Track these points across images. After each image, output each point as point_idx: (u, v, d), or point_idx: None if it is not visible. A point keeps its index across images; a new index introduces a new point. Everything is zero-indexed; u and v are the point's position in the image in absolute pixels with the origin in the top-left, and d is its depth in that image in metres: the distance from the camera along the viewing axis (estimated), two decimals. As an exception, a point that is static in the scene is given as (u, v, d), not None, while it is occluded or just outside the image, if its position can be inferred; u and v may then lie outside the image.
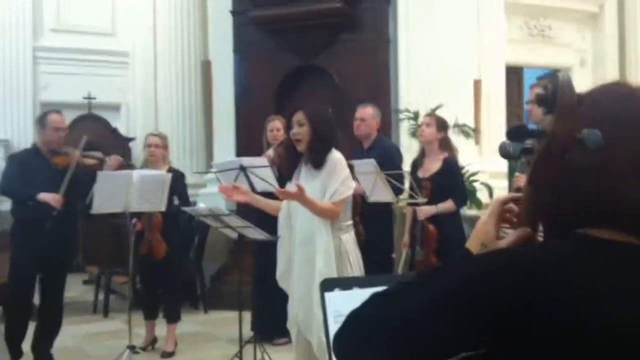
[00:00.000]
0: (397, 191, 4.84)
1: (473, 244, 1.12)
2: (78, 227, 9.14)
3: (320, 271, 3.46)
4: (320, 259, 3.51)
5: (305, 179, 3.66)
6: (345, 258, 3.61)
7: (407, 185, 4.81)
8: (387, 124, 6.73)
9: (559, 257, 0.97)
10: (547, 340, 0.91)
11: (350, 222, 3.76)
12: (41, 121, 5.00)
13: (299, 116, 3.65)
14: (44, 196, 4.67)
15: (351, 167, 3.82)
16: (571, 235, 1.00)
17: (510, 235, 1.10)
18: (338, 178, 3.57)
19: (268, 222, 4.12)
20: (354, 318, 1.04)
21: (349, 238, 3.69)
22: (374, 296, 1.06)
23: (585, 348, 0.91)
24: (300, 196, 3.46)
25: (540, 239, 1.10)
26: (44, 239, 4.71)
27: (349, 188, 3.63)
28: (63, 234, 4.89)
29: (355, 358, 1.03)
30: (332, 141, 3.66)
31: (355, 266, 3.66)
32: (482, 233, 1.12)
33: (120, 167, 5.03)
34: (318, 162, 3.61)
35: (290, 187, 3.65)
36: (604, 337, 0.91)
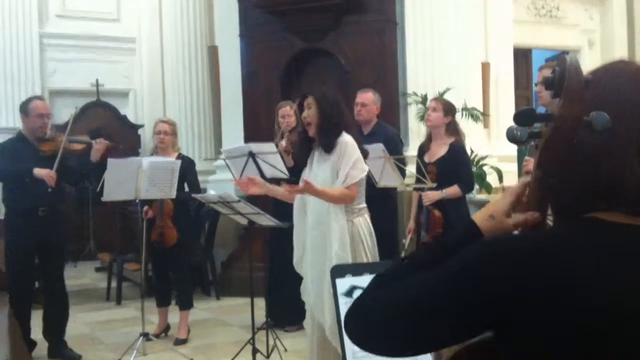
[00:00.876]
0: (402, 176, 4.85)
1: (479, 216, 1.11)
2: (89, 214, 9.26)
3: (337, 254, 3.48)
4: (336, 242, 3.52)
5: (318, 164, 3.69)
6: (358, 241, 3.62)
7: (414, 169, 4.81)
8: (394, 108, 6.70)
9: (566, 241, 0.97)
10: (553, 325, 0.92)
11: (364, 205, 3.75)
12: (24, 108, 4.87)
13: (308, 100, 3.70)
14: (39, 171, 4.64)
15: (365, 152, 3.81)
16: (580, 219, 1.00)
17: (519, 215, 1.09)
18: (349, 161, 3.57)
19: (282, 209, 4.13)
20: (361, 300, 1.06)
21: (362, 221, 3.70)
22: (377, 278, 1.09)
23: (592, 332, 0.91)
24: (309, 190, 3.48)
25: (549, 222, 1.10)
26: (38, 225, 4.72)
27: (361, 170, 3.63)
28: (55, 219, 4.88)
29: (366, 339, 1.05)
30: (340, 124, 3.67)
31: (369, 249, 3.67)
32: (493, 206, 1.11)
33: (108, 150, 4.94)
34: (328, 145, 3.63)
35: (305, 175, 3.68)
36: (610, 320, 0.91)
